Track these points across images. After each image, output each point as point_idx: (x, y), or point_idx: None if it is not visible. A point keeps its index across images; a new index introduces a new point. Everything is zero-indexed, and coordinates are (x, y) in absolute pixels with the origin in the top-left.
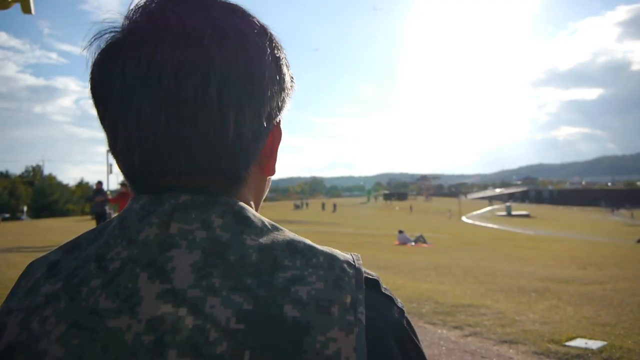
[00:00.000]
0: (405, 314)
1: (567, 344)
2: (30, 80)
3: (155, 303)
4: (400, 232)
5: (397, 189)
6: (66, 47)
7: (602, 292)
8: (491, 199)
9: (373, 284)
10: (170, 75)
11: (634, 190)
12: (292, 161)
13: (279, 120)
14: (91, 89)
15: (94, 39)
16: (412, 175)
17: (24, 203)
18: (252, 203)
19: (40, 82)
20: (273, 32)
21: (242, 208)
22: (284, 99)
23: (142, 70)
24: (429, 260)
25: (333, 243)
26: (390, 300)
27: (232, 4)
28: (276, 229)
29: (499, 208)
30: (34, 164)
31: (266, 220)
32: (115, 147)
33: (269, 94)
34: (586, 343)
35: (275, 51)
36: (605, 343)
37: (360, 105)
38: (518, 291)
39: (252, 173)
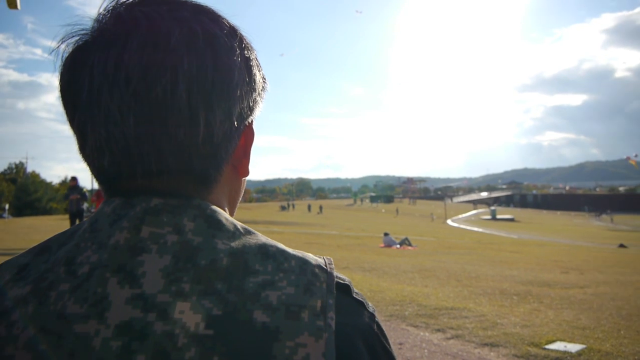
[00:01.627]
0: (376, 319)
1: (546, 347)
2: (13, 75)
3: (124, 308)
4: (386, 234)
5: (384, 192)
6: (51, 43)
7: (583, 296)
8: (476, 203)
9: (344, 289)
10: (139, 76)
11: (616, 195)
12: (279, 162)
13: (251, 121)
14: (60, 91)
15: (62, 42)
16: (399, 178)
17: (6, 201)
18: (226, 206)
19: (24, 77)
20: (243, 34)
21: (214, 212)
22: (255, 99)
23: (110, 71)
24: (414, 263)
25: (318, 245)
26: (361, 305)
27: (201, 6)
28: (249, 232)
29: (484, 212)
30: (17, 161)
31: (239, 224)
32: (85, 149)
33: (239, 94)
34: (565, 346)
35: (245, 52)
36: (584, 346)
37: (348, 106)
38: (500, 294)
39: (225, 174)
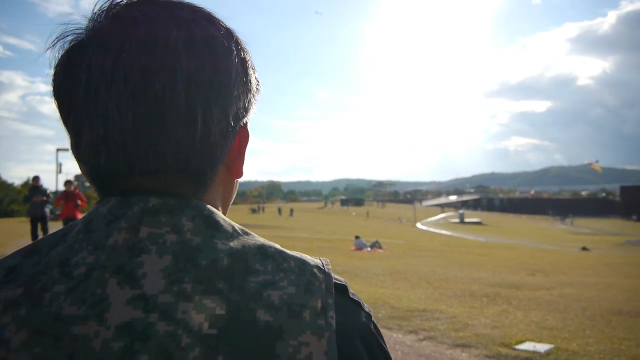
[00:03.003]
0: (373, 319)
1: (516, 347)
2: None
3: (125, 309)
4: (357, 237)
5: (354, 195)
6: (12, 40)
7: (549, 297)
8: (443, 206)
9: (341, 289)
10: (137, 74)
11: (579, 200)
12: (249, 164)
13: (246, 122)
14: (54, 90)
15: (57, 40)
16: (369, 182)
17: None
18: (219, 207)
19: None
20: (239, 36)
21: (212, 212)
22: (250, 100)
23: (108, 70)
24: (385, 266)
25: (289, 248)
26: (358, 305)
27: (198, 7)
28: (246, 233)
29: (452, 215)
30: None
31: (236, 225)
32: (80, 149)
33: (236, 94)
34: (534, 346)
35: (242, 53)
36: (552, 346)
37: (319, 110)
38: (470, 296)
39: (219, 174)
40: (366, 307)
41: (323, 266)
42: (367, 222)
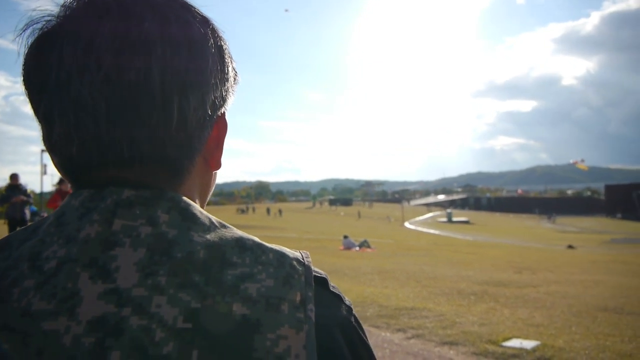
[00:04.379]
0: (354, 312)
1: (503, 344)
2: None
3: (97, 303)
4: (345, 237)
5: (343, 195)
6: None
7: (536, 294)
8: (430, 206)
9: (321, 282)
10: (111, 60)
11: (565, 198)
12: (237, 165)
13: (224, 112)
14: (24, 78)
15: (27, 27)
16: (357, 181)
17: None
18: (197, 199)
19: None
20: (215, 24)
21: (189, 205)
22: (228, 89)
23: (80, 55)
24: (373, 265)
25: None
26: (338, 298)
27: None
28: (224, 226)
29: (440, 214)
30: None
31: (213, 218)
32: (51, 138)
33: (213, 82)
34: (521, 343)
35: (218, 41)
36: (538, 343)
37: (306, 111)
38: (458, 294)
39: (197, 166)
40: (347, 300)
41: (303, 259)
42: (355, 222)
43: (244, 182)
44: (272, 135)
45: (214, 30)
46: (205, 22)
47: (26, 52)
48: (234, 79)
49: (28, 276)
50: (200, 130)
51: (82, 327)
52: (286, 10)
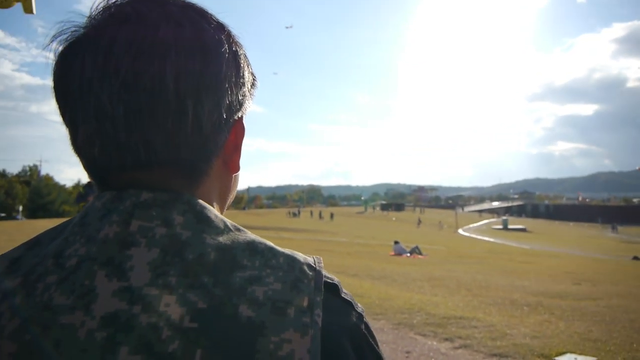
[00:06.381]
0: (365, 319)
1: (556, 358)
2: (26, 79)
3: (111, 300)
4: (396, 242)
5: (395, 200)
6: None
7: (595, 308)
8: (486, 212)
9: (332, 288)
10: (128, 66)
11: (630, 207)
12: (288, 168)
13: (241, 116)
14: (53, 86)
15: (55, 38)
16: (410, 186)
17: (20, 203)
18: (215, 201)
19: (36, 81)
20: (231, 30)
21: (204, 207)
22: (244, 93)
23: (100, 63)
24: (423, 272)
25: (328, 252)
26: (349, 304)
27: (191, 3)
28: (238, 229)
29: (495, 221)
30: (31, 164)
31: (228, 222)
32: (77, 142)
33: (227, 86)
34: (576, 358)
35: (233, 46)
36: (595, 359)
37: (358, 114)
38: (511, 305)
39: (215, 168)
40: (359, 307)
41: (314, 264)
42: (407, 228)
43: (295, 186)
44: (322, 138)
45: (229, 36)
46: (220, 28)
47: (54, 61)
48: (252, 83)
49: (51, 272)
50: (216, 134)
51: (96, 322)
52: (288, 27)
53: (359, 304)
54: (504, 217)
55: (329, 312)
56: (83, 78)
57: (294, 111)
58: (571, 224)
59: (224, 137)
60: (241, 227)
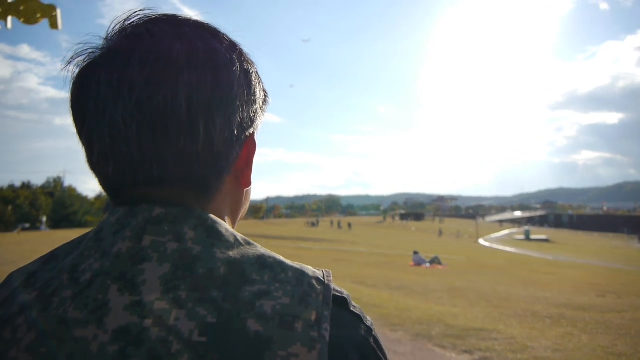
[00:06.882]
0: (374, 332)
1: None
2: (51, 92)
3: (123, 314)
4: (415, 252)
5: (414, 209)
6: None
7: (620, 321)
8: (503, 222)
9: (341, 302)
10: (141, 86)
11: None
12: (307, 179)
13: (253, 132)
14: (70, 105)
15: (72, 59)
16: (429, 196)
17: (44, 213)
18: (227, 216)
19: (61, 94)
20: (244, 49)
21: (215, 222)
22: (256, 110)
23: (114, 83)
24: (443, 283)
25: (346, 262)
26: (358, 318)
27: (202, 23)
28: (248, 243)
29: (517, 232)
30: (55, 176)
31: (239, 236)
32: (92, 159)
33: (239, 104)
34: None
35: (245, 65)
36: None
37: (377, 124)
38: (532, 317)
39: (226, 184)
40: (368, 321)
41: (323, 277)
42: (426, 238)
43: (314, 196)
44: (342, 149)
45: (240, 55)
46: (232, 47)
47: (72, 82)
48: (263, 100)
49: (67, 287)
50: (227, 150)
51: (108, 336)
52: (304, 41)
53: (368, 317)
54: (526, 228)
55: (337, 326)
56: (98, 98)
57: (314, 122)
58: (596, 234)
59: (235, 153)
60: (252, 241)
